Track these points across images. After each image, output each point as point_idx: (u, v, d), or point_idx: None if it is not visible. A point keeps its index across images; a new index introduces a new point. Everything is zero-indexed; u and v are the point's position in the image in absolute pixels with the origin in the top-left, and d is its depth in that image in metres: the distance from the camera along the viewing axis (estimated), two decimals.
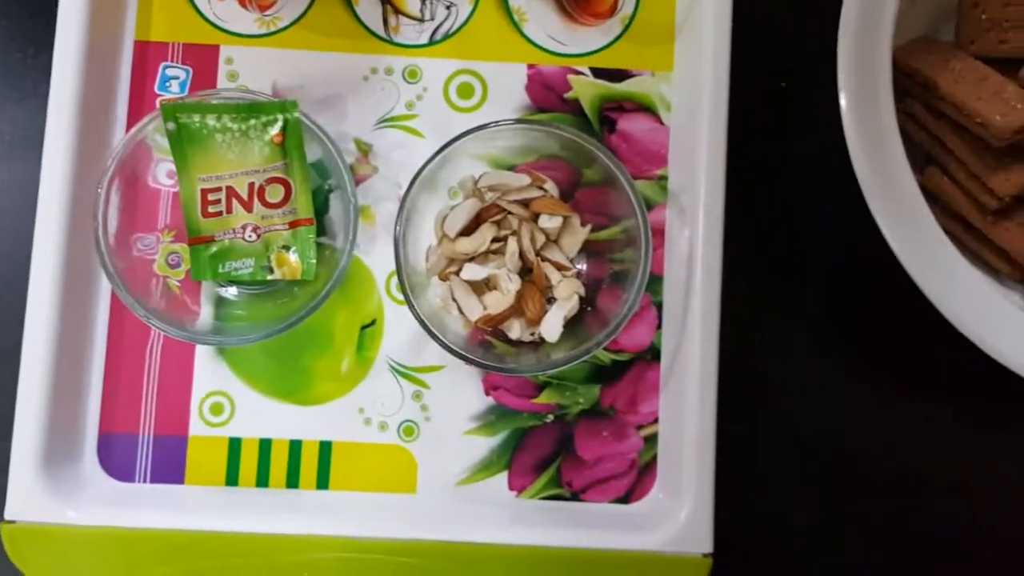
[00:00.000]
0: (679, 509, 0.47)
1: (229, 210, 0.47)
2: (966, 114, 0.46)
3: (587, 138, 0.46)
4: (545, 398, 0.50)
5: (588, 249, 0.50)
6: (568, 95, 0.51)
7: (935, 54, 0.48)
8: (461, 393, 0.50)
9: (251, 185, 0.46)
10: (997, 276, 0.49)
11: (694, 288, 0.48)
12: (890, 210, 0.42)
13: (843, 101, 0.43)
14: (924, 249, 0.43)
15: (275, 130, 0.46)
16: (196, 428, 0.49)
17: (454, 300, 0.47)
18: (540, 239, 0.48)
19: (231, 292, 0.48)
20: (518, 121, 0.47)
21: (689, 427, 0.48)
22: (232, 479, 0.49)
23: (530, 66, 0.51)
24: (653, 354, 0.50)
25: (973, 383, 0.49)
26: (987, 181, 0.47)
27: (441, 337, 0.45)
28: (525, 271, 0.49)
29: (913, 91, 0.49)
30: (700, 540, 0.47)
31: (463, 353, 0.45)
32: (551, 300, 0.49)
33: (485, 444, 0.49)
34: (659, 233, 0.50)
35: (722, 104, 0.49)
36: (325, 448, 0.49)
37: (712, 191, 0.48)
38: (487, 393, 0.50)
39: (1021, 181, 0.47)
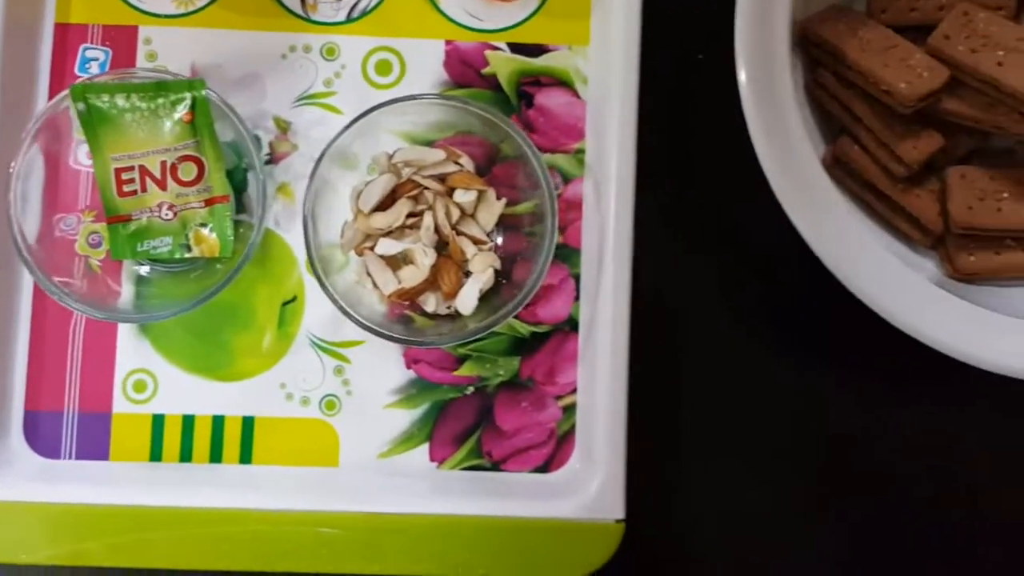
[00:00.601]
0: (593, 477, 0.48)
1: (144, 189, 0.47)
2: (872, 82, 0.47)
3: (495, 112, 0.47)
4: (465, 370, 0.50)
5: (505, 223, 0.50)
6: (485, 70, 0.51)
7: (845, 23, 0.49)
8: (382, 367, 0.50)
9: (163, 163, 0.47)
10: (911, 244, 0.50)
11: (607, 260, 0.49)
12: (790, 184, 0.43)
13: (742, 76, 0.43)
14: (825, 221, 0.43)
15: (184, 108, 0.46)
16: (120, 405, 0.50)
17: (369, 275, 0.48)
18: (456, 213, 0.49)
19: (144, 270, 0.49)
20: (427, 96, 0.48)
21: (602, 397, 0.48)
22: (156, 455, 0.50)
23: (447, 42, 0.51)
24: (571, 325, 0.50)
25: (887, 353, 0.49)
26: (896, 149, 0.47)
27: (352, 313, 0.46)
28: (442, 245, 0.49)
29: (824, 61, 0.49)
30: (612, 506, 0.48)
31: (375, 328, 0.46)
32: (468, 274, 0.49)
33: (406, 417, 0.50)
34: (577, 206, 0.51)
35: (632, 77, 0.49)
36: (247, 423, 0.50)
37: (623, 164, 0.49)
38: (408, 367, 0.50)
39: (929, 148, 0.48)
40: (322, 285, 0.46)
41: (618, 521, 0.48)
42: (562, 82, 0.51)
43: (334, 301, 0.46)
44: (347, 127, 0.46)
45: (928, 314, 0.43)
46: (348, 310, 0.46)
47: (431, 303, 0.48)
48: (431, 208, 0.49)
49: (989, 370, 0.43)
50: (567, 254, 0.51)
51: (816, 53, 0.49)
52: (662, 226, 0.51)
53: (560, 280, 0.51)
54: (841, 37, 0.48)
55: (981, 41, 0.47)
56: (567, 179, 0.51)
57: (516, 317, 0.50)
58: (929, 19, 0.48)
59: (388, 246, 0.48)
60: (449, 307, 0.49)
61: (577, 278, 0.51)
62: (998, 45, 0.46)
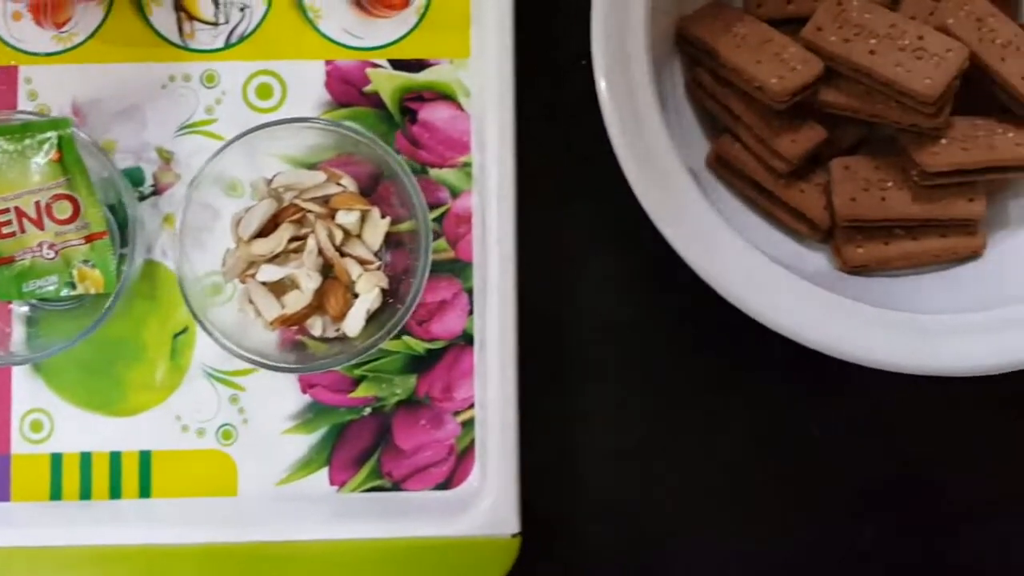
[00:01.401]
0: (490, 492, 0.48)
1: (22, 230, 0.47)
2: (746, 79, 0.46)
3: (362, 131, 0.47)
4: (362, 391, 0.50)
5: (393, 240, 0.50)
6: (367, 89, 0.51)
7: (720, 20, 0.48)
8: (277, 393, 0.50)
9: (37, 204, 0.46)
10: (801, 239, 0.49)
11: (492, 272, 0.49)
12: (655, 191, 0.42)
13: (600, 84, 0.42)
14: (691, 227, 0.43)
15: (51, 147, 0.46)
16: (18, 446, 0.49)
17: (252, 302, 0.48)
18: (340, 235, 0.48)
19: (22, 310, 0.49)
20: (295, 120, 0.47)
21: (493, 410, 0.48)
22: (56, 494, 0.49)
23: (328, 62, 0.51)
24: (467, 340, 0.50)
25: (778, 352, 0.48)
26: (774, 145, 0.47)
27: (228, 344, 0.46)
28: (330, 268, 0.49)
29: (701, 60, 0.48)
30: (507, 521, 0.47)
31: (252, 358, 0.46)
32: (358, 295, 0.49)
33: (304, 442, 0.50)
34: (467, 220, 0.50)
35: (508, 88, 0.49)
36: (145, 458, 0.49)
37: (504, 175, 0.49)
38: (304, 391, 0.50)
39: (809, 142, 0.47)
40: (195, 317, 0.46)
41: (514, 535, 0.47)
42: (445, 96, 0.51)
43: (210, 334, 0.46)
44: (213, 157, 0.46)
45: (800, 311, 0.42)
46: (223, 342, 0.45)
47: (317, 327, 0.48)
48: (314, 231, 0.48)
49: (856, 363, 0.42)
50: (459, 268, 0.50)
51: (693, 52, 0.49)
52: (550, 235, 0.51)
53: (453, 295, 0.50)
54: (715, 35, 0.47)
55: (854, 30, 0.46)
56: (456, 193, 0.51)
57: (410, 334, 0.50)
58: (805, 11, 0.48)
59: (269, 272, 0.47)
60: (338, 330, 0.48)
61: (470, 292, 0.50)
62: (871, 33, 0.46)
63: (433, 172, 0.51)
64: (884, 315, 0.42)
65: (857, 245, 0.47)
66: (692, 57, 0.49)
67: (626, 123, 0.42)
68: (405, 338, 0.50)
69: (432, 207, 0.51)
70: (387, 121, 0.51)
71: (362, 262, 0.49)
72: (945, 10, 0.46)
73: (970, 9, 0.46)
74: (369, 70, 0.51)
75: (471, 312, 0.50)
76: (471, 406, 0.50)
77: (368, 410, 0.50)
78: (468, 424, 0.50)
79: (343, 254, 0.49)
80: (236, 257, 0.48)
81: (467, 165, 0.51)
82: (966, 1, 0.46)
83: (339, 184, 0.49)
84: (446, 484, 0.50)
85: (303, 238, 0.49)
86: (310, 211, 0.48)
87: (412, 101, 0.51)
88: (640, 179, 0.42)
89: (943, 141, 0.46)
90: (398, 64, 0.51)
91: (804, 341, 0.42)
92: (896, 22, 0.46)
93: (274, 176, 0.49)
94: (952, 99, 0.46)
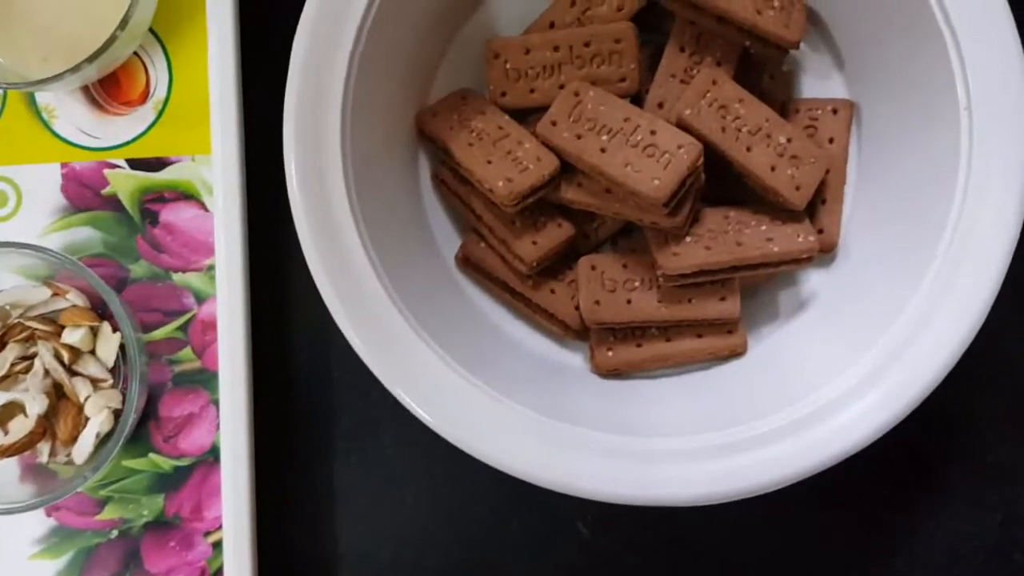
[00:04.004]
0: None
1: None
2: (476, 180, 0.43)
3: (50, 251, 0.44)
4: (108, 513, 0.48)
5: (143, 352, 0.47)
6: (105, 191, 0.48)
7: (460, 113, 0.45)
8: (22, 517, 0.47)
9: None
10: (559, 340, 0.46)
11: (225, 382, 0.46)
12: (353, 313, 0.39)
13: (293, 185, 0.39)
14: (391, 353, 0.39)
15: None
16: None
17: None
18: (66, 353, 0.46)
19: None
20: None
21: (229, 530, 0.46)
22: None
23: (64, 165, 0.49)
24: (215, 456, 0.48)
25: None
26: (514, 248, 0.44)
27: None
28: (62, 389, 0.46)
29: (442, 157, 0.45)
30: None
31: None
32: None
33: (51, 567, 0.47)
34: (213, 327, 0.48)
35: (234, 184, 0.46)
36: None
37: (232, 278, 0.46)
38: (48, 514, 0.48)
39: (552, 243, 0.44)
40: None
41: None
42: (188, 195, 0.48)
43: None
44: None
45: (505, 440, 0.39)
46: None
47: (44, 453, 0.46)
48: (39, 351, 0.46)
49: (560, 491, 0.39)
50: (207, 379, 0.48)
51: (433, 148, 0.46)
52: (291, 344, 0.49)
53: (201, 407, 0.48)
54: (449, 131, 0.44)
55: (588, 125, 0.43)
56: (201, 299, 0.48)
57: (157, 451, 0.47)
58: (549, 100, 0.44)
59: None
60: (69, 455, 0.46)
61: (217, 404, 0.48)
62: (604, 128, 0.42)
63: (177, 277, 0.48)
64: (607, 440, 0.39)
65: (608, 348, 0.44)
66: (435, 152, 0.46)
67: (321, 245, 0.40)
68: (151, 456, 0.48)
69: (177, 314, 0.48)
70: (127, 224, 0.48)
71: (95, 381, 0.46)
72: (687, 98, 0.43)
73: (715, 95, 0.43)
74: (107, 171, 0.48)
75: (220, 426, 0.48)
76: (221, 526, 0.47)
77: (115, 532, 0.48)
78: (219, 545, 0.47)
79: (75, 373, 0.46)
80: None
81: (212, 268, 0.48)
82: (710, 87, 0.43)
83: (66, 299, 0.46)
84: None
85: (32, 358, 0.46)
86: (36, 329, 0.46)
87: (153, 202, 0.48)
88: (332, 293, 0.39)
89: (687, 239, 0.43)
90: (137, 163, 0.48)
91: (496, 464, 0.39)
92: (630, 115, 0.42)
93: None
94: (694, 195, 0.43)
